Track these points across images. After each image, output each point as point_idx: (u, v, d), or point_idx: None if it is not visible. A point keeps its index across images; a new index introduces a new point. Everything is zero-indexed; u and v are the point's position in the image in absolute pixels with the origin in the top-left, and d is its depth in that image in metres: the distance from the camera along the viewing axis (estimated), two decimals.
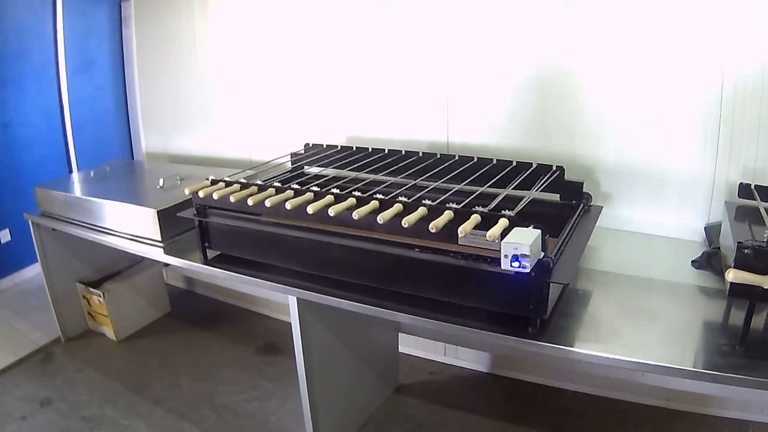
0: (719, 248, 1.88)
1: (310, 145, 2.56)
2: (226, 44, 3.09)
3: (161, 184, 2.67)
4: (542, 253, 1.47)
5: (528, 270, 1.42)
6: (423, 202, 1.61)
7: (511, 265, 1.42)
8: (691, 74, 2.01)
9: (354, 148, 2.43)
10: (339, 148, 2.48)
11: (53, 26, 3.37)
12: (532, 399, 2.65)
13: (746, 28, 1.90)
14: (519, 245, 1.41)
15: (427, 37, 2.46)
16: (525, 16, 2.23)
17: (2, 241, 3.66)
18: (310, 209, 1.68)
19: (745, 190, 1.91)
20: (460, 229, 1.47)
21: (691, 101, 2.04)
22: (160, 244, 2.34)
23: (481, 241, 1.49)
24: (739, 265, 1.36)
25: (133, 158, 3.77)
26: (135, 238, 2.41)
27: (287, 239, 1.91)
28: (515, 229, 1.48)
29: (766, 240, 1.37)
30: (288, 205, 1.71)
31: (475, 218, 1.51)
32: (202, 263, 2.12)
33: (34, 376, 2.93)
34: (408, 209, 1.60)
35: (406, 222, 1.53)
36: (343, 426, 2.42)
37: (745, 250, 1.35)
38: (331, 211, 1.64)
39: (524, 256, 1.40)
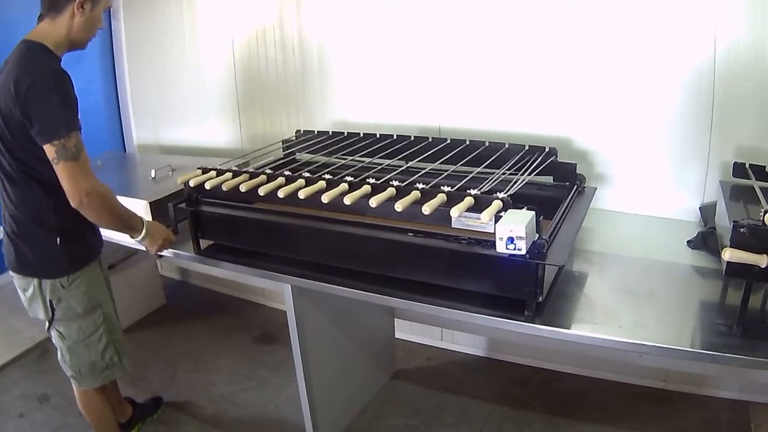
0: (715, 228, 1.87)
1: (302, 132, 2.54)
2: (214, 35, 3.05)
3: (153, 175, 2.64)
4: (537, 235, 1.46)
5: (523, 252, 1.41)
6: (416, 185, 1.60)
7: (506, 248, 1.42)
8: (684, 53, 2.00)
9: (345, 134, 2.41)
10: (330, 133, 2.45)
11: None
12: (529, 382, 2.65)
13: (738, 4, 1.88)
14: (514, 227, 1.39)
15: (417, 20, 2.43)
16: None
17: None
18: (301, 195, 1.66)
19: (739, 169, 1.90)
20: (452, 210, 1.45)
21: (683, 80, 2.02)
22: None
23: (475, 223, 1.48)
24: (736, 245, 1.35)
25: (125, 151, 3.73)
26: None
27: (280, 227, 1.90)
28: (509, 211, 1.47)
29: (762, 219, 1.37)
30: (280, 193, 1.69)
31: (468, 200, 1.49)
32: (195, 254, 2.10)
33: (32, 373, 2.91)
34: (401, 193, 1.59)
35: (399, 206, 1.52)
36: (341, 412, 2.42)
37: (741, 229, 1.34)
38: (325, 198, 1.62)
39: (519, 238, 1.39)
